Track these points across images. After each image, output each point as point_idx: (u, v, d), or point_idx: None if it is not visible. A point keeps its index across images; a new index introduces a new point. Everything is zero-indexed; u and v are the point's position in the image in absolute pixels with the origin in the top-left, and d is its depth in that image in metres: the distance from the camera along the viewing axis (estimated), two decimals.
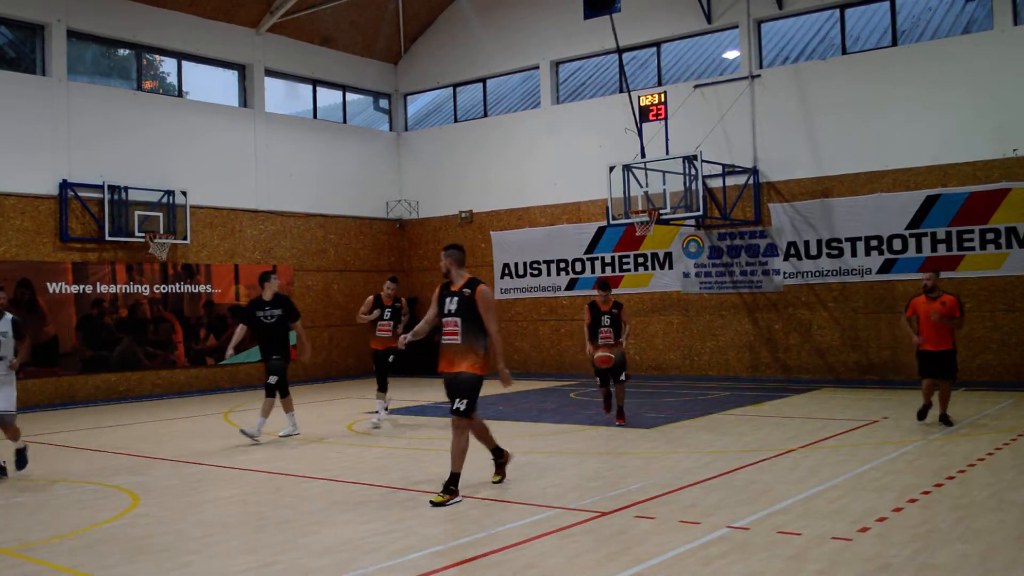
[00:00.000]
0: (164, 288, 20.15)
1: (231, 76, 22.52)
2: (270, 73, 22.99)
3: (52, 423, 15.41)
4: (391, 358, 13.91)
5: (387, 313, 13.96)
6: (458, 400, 8.24)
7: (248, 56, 22.31)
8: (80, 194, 18.73)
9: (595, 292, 13.08)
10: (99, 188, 18.90)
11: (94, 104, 19.27)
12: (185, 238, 20.18)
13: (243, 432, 12.18)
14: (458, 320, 8.35)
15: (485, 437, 8.76)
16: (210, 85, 22.17)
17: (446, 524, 7.30)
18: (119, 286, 19.37)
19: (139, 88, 20.76)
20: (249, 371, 21.49)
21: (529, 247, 23.03)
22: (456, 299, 8.45)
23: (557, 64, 23.29)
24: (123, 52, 20.89)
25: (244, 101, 22.54)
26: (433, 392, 17.98)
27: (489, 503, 7.96)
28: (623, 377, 12.73)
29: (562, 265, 22.46)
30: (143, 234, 19.32)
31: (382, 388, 13.98)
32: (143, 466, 10.74)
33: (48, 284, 18.19)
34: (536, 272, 22.89)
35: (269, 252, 22.30)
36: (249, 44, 22.26)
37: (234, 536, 7.12)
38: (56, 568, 6.26)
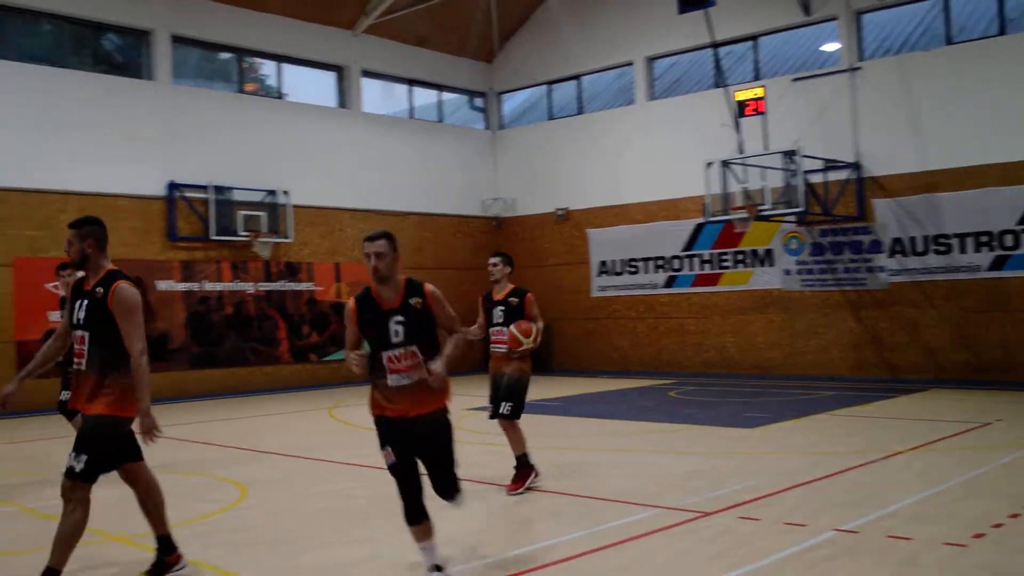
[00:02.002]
0: (268, 286, 20.65)
1: (329, 77, 22.93)
2: (367, 74, 23.33)
3: (164, 416, 15.84)
4: None
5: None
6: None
7: (345, 57, 22.69)
8: (187, 195, 19.32)
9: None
10: (204, 189, 19.46)
11: (198, 107, 19.85)
12: (287, 237, 20.65)
13: None
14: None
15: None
16: (309, 86, 22.61)
17: (549, 522, 7.32)
18: (225, 284, 19.93)
19: (240, 91, 21.32)
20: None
21: (626, 244, 22.88)
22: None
23: (651, 60, 23.09)
24: (224, 56, 21.47)
25: (342, 102, 22.93)
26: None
27: (590, 501, 7.95)
28: (504, 411, 8.55)
29: (659, 263, 22.25)
30: (247, 233, 19.83)
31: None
32: (250, 459, 11.04)
33: (158, 282, 18.82)
34: (633, 270, 22.73)
35: None
36: (346, 46, 22.64)
37: (339, 529, 7.26)
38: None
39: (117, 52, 19.73)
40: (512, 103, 26.77)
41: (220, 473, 9.93)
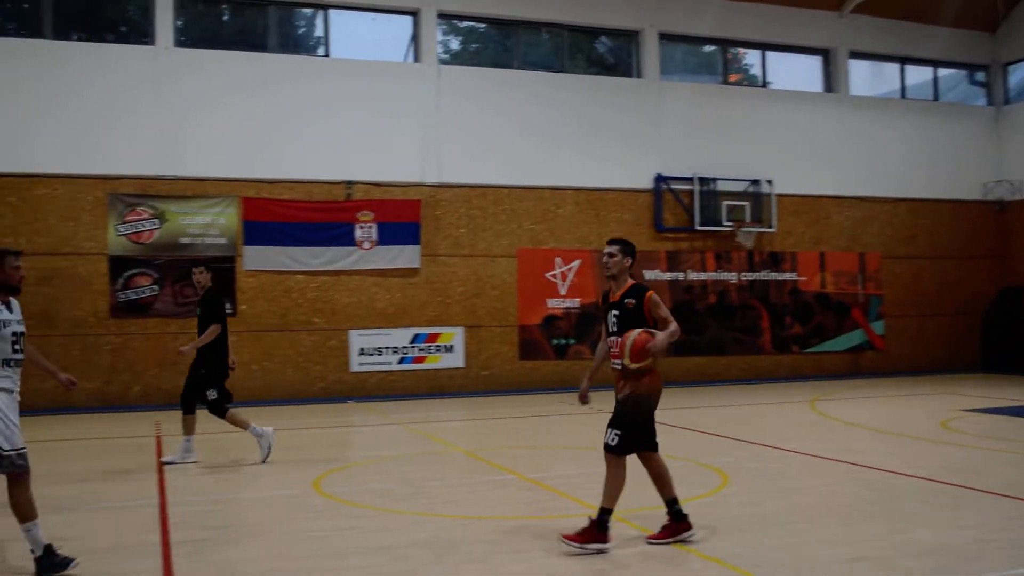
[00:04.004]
0: (750, 275, 20.61)
1: (814, 62, 22.26)
2: (854, 55, 22.28)
3: None
4: None
5: None
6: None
7: (831, 40, 21.86)
8: (673, 187, 19.87)
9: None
10: (689, 180, 19.88)
11: (683, 101, 20.31)
12: (771, 226, 20.42)
13: None
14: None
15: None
16: (792, 73, 22.13)
17: None
18: (708, 273, 20.24)
19: (724, 82, 21.48)
20: (834, 360, 21.15)
21: None
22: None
23: None
24: (708, 48, 21.75)
25: (828, 86, 22.14)
26: None
27: None
28: (609, 440, 6.52)
29: None
30: (730, 223, 19.94)
31: None
32: (731, 448, 11.07)
33: (645, 271, 19.60)
34: None
35: (855, 239, 21.66)
36: (832, 28, 21.79)
37: (821, 526, 6.99)
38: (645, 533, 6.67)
39: (608, 53, 20.87)
40: (1020, 75, 23.99)
41: (703, 459, 10.06)
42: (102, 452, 11.87)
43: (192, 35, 17.67)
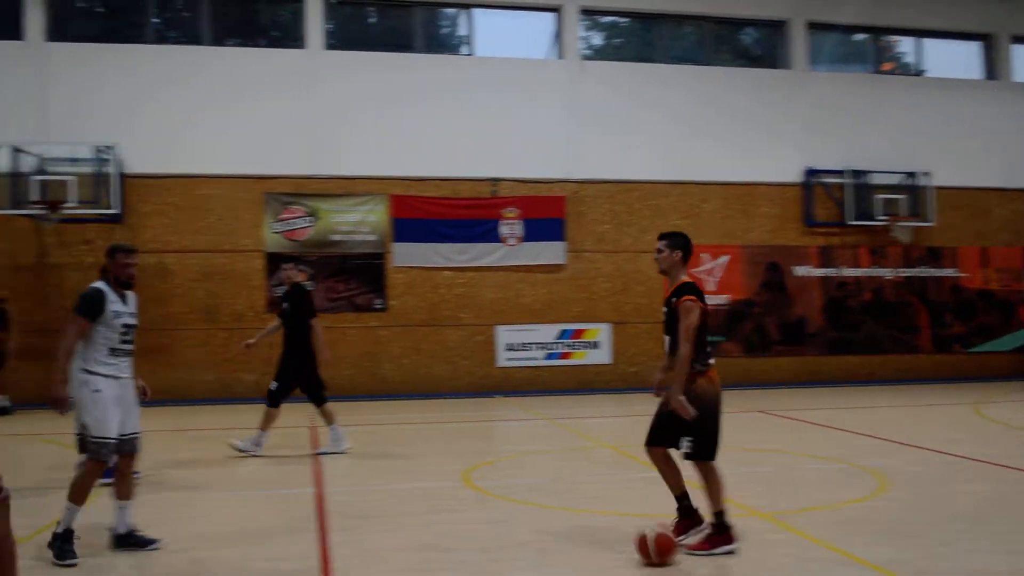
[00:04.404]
0: (907, 271, 19.75)
1: (972, 48, 21.23)
2: (1017, 40, 21.15)
3: (798, 400, 16.06)
4: None
5: None
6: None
7: (992, 25, 20.80)
8: (823, 180, 19.25)
9: None
10: (841, 173, 19.19)
11: (833, 91, 19.64)
12: (928, 220, 19.52)
13: None
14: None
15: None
16: (949, 60, 21.15)
17: None
18: (862, 269, 19.50)
19: (877, 71, 20.71)
20: (1000, 361, 20.06)
21: None
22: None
23: None
24: (859, 37, 21.00)
25: (989, 73, 21.08)
26: None
27: None
28: (685, 449, 6.21)
29: None
30: (885, 217, 19.15)
31: None
32: (889, 450, 10.51)
33: (794, 267, 19.03)
34: None
35: (1020, 233, 20.53)
36: (992, 12, 20.73)
37: (986, 533, 6.50)
38: (809, 539, 6.38)
39: (754, 45, 20.42)
40: None
41: (858, 462, 9.60)
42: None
43: (341, 38, 18.09)
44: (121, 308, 6.47)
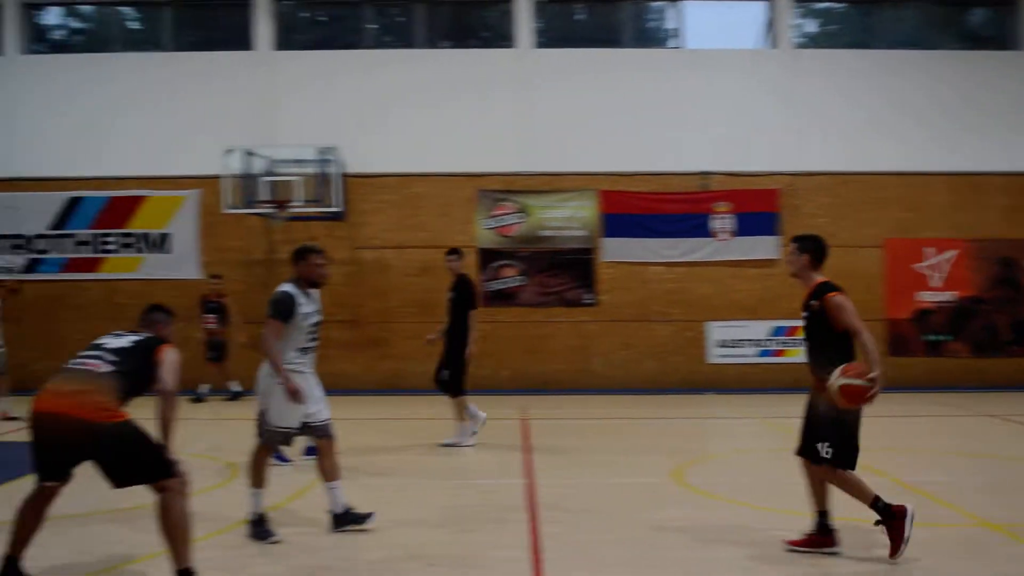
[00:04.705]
0: None
1: None
2: None
3: None
4: None
5: None
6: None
7: None
8: None
9: None
10: None
11: None
12: None
13: None
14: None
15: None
16: None
17: None
18: None
19: None
20: None
21: None
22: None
23: None
24: None
25: None
26: None
27: None
28: (824, 453, 6.14)
29: None
30: None
31: None
32: None
33: None
34: None
35: None
36: None
37: None
38: None
39: (982, 26, 19.23)
40: None
41: None
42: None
43: (549, 36, 18.23)
44: (309, 308, 6.74)
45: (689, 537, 6.59)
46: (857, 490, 5.99)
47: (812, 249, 6.27)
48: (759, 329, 17.42)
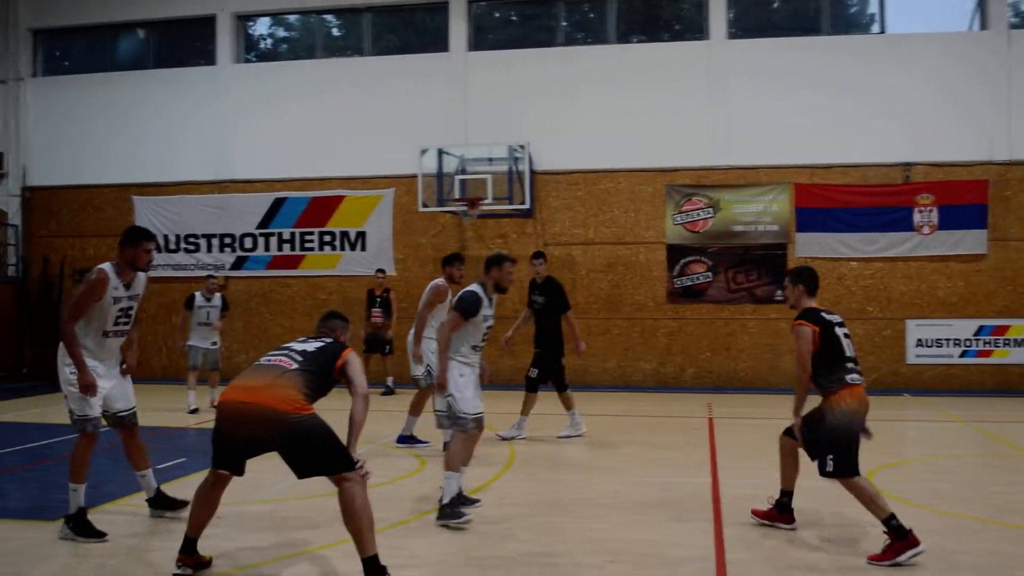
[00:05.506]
0: None
1: None
2: None
3: None
4: None
5: None
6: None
7: None
8: None
9: None
10: None
11: None
12: None
13: None
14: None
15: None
16: None
17: None
18: None
19: None
20: None
21: None
22: None
23: None
24: None
25: None
26: None
27: None
28: (827, 468, 6.45)
29: None
30: None
31: None
32: None
33: None
34: None
35: None
36: None
37: None
38: None
39: None
40: None
41: None
42: (657, 429, 12.52)
43: (742, 26, 17.86)
44: (489, 311, 7.27)
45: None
46: (871, 502, 6.13)
47: (806, 281, 6.76)
48: (963, 328, 16.54)
